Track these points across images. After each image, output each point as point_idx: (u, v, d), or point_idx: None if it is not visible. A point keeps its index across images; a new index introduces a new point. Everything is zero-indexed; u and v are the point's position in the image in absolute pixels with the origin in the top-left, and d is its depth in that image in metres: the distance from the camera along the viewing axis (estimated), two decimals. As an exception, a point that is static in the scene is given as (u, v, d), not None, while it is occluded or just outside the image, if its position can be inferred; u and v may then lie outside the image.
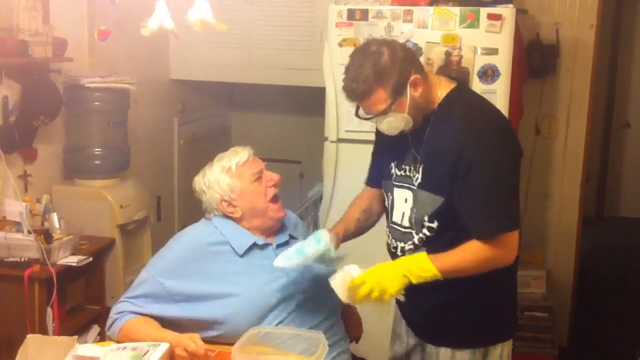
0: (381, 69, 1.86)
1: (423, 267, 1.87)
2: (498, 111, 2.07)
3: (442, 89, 1.98)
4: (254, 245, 2.11)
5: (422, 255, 1.90)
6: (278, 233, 2.20)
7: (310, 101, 3.55)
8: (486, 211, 1.88)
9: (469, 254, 1.89)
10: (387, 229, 2.13)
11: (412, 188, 2.01)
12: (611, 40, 6.46)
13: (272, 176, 2.18)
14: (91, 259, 2.93)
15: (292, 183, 4.77)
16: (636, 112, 6.81)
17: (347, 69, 1.91)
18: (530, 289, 3.58)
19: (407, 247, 2.03)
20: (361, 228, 2.20)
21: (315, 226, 3.38)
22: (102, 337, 2.99)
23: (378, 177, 2.18)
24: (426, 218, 1.97)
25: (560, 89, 3.84)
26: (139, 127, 3.74)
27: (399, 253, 2.05)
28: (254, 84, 4.32)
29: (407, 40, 2.96)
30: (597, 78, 3.84)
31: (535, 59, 3.74)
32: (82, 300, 3.11)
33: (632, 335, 3.08)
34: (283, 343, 1.95)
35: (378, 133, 2.11)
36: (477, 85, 2.92)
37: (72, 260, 2.85)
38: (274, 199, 2.16)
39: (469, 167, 1.87)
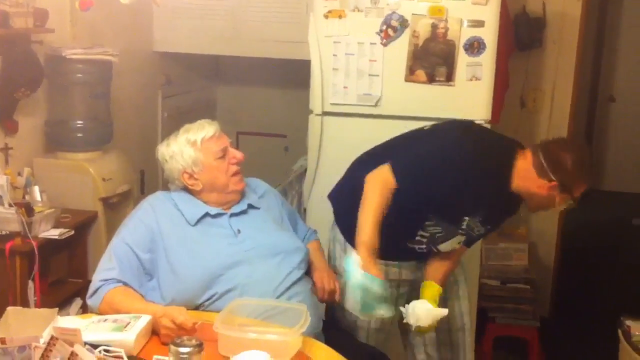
0: None
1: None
2: None
3: None
4: (207, 215, 2.15)
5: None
6: (235, 203, 2.23)
7: (296, 74, 3.52)
8: None
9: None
10: (417, 245, 2.31)
11: (471, 236, 2.31)
12: (598, 13, 6.44)
13: (235, 154, 2.21)
14: (73, 232, 2.91)
15: (277, 157, 4.76)
16: (621, 86, 6.82)
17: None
18: (512, 261, 3.61)
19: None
20: None
21: (299, 200, 3.37)
22: (84, 311, 2.98)
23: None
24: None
25: (546, 63, 3.84)
26: (122, 100, 3.70)
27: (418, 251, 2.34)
28: (239, 57, 4.28)
29: (394, 12, 2.93)
30: (583, 52, 3.84)
31: (521, 31, 3.73)
32: (65, 273, 3.10)
33: (613, 306, 3.12)
34: (265, 314, 1.96)
35: (468, 190, 2.18)
36: (463, 58, 2.91)
37: (54, 233, 2.83)
38: (235, 175, 2.20)
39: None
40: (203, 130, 2.18)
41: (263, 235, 2.17)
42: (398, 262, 2.38)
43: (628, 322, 2.62)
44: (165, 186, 2.33)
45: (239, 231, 2.15)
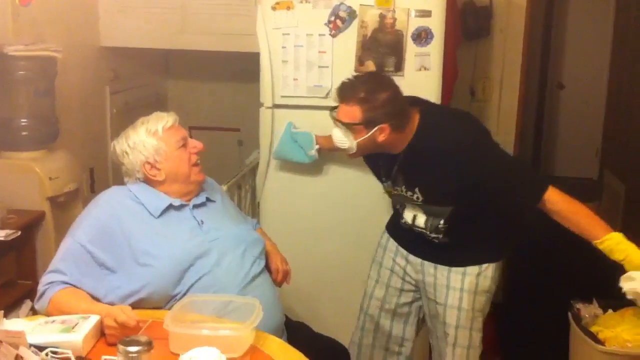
0: (372, 98, 2.17)
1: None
2: (458, 113, 2.45)
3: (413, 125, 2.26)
4: (170, 207, 2.13)
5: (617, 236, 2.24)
6: (195, 195, 2.22)
7: (247, 67, 3.49)
8: (530, 182, 2.32)
9: (577, 205, 2.36)
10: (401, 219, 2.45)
11: (417, 204, 2.33)
12: (545, 1, 6.55)
13: (195, 144, 2.22)
14: (20, 232, 2.84)
15: (231, 150, 4.73)
16: (570, 73, 6.95)
17: (357, 76, 2.26)
18: (465, 249, 3.64)
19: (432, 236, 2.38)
20: None
21: (253, 194, 3.35)
22: (35, 312, 2.91)
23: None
24: (442, 222, 2.33)
25: (494, 51, 3.88)
26: (69, 97, 3.62)
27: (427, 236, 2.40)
28: (190, 51, 4.23)
29: (342, 3, 2.93)
30: (530, 39, 3.90)
31: (469, 21, 3.76)
32: (14, 275, 3.02)
33: (564, 291, 3.18)
34: (217, 310, 1.94)
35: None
36: (412, 49, 2.92)
37: (0, 235, 2.76)
38: (195, 165, 2.21)
39: (478, 176, 2.19)
40: (162, 120, 2.18)
41: (225, 227, 2.18)
42: (407, 250, 2.50)
43: (578, 306, 2.67)
44: (116, 183, 2.30)
45: (202, 222, 2.15)
